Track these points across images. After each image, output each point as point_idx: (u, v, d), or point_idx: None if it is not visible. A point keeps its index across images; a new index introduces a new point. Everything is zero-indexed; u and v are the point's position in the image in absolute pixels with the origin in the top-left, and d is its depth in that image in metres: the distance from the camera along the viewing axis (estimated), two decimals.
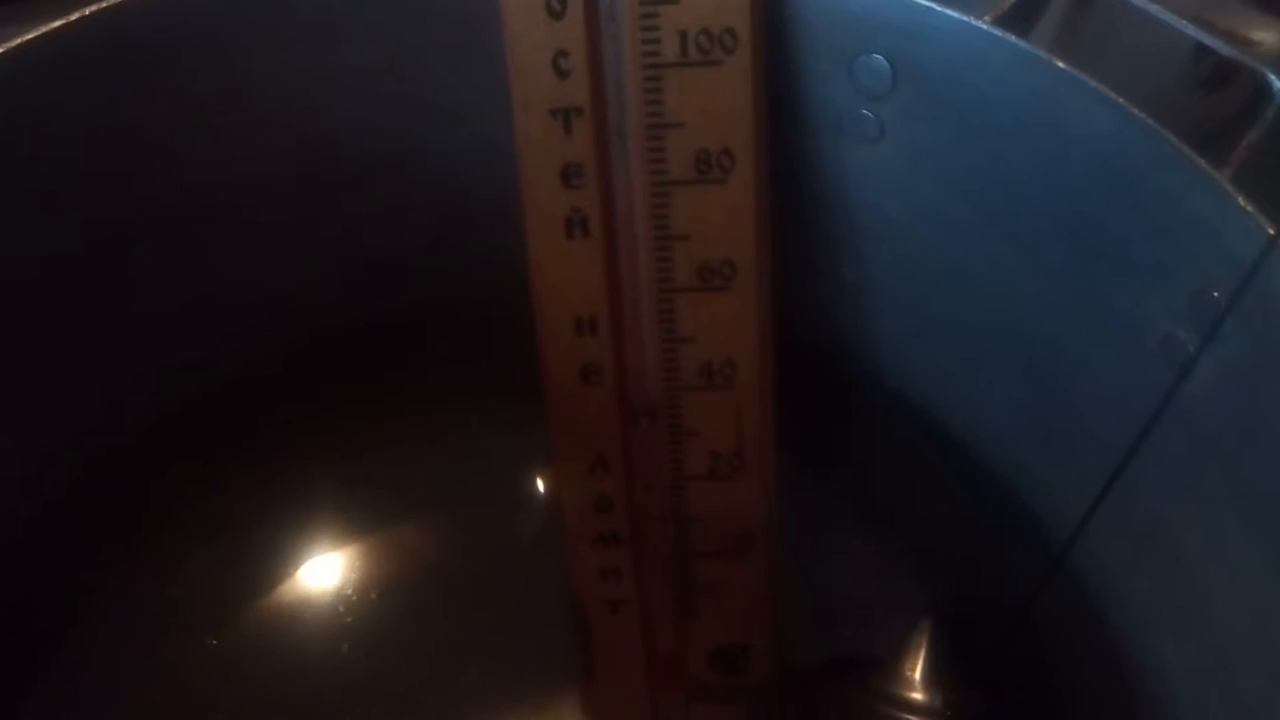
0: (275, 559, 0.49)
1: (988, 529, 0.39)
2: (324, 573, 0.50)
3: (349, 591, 0.49)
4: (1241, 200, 0.24)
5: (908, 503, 0.44)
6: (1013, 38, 0.29)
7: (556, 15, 0.33)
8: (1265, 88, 0.28)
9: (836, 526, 0.46)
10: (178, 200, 0.38)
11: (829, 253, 0.38)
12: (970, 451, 0.38)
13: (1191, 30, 0.32)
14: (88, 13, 0.32)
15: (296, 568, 0.49)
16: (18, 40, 0.32)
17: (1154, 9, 0.34)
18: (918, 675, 0.37)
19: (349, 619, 0.49)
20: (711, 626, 0.43)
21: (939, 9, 0.30)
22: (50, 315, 0.38)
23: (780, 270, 0.36)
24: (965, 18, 0.30)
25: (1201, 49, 0.31)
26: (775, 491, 0.40)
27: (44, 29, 0.32)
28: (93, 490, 0.42)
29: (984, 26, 0.30)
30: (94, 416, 0.41)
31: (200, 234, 0.39)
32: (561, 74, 0.33)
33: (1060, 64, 0.28)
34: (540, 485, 0.50)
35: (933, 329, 0.38)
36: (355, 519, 0.50)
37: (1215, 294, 0.26)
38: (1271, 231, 0.24)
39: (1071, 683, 0.38)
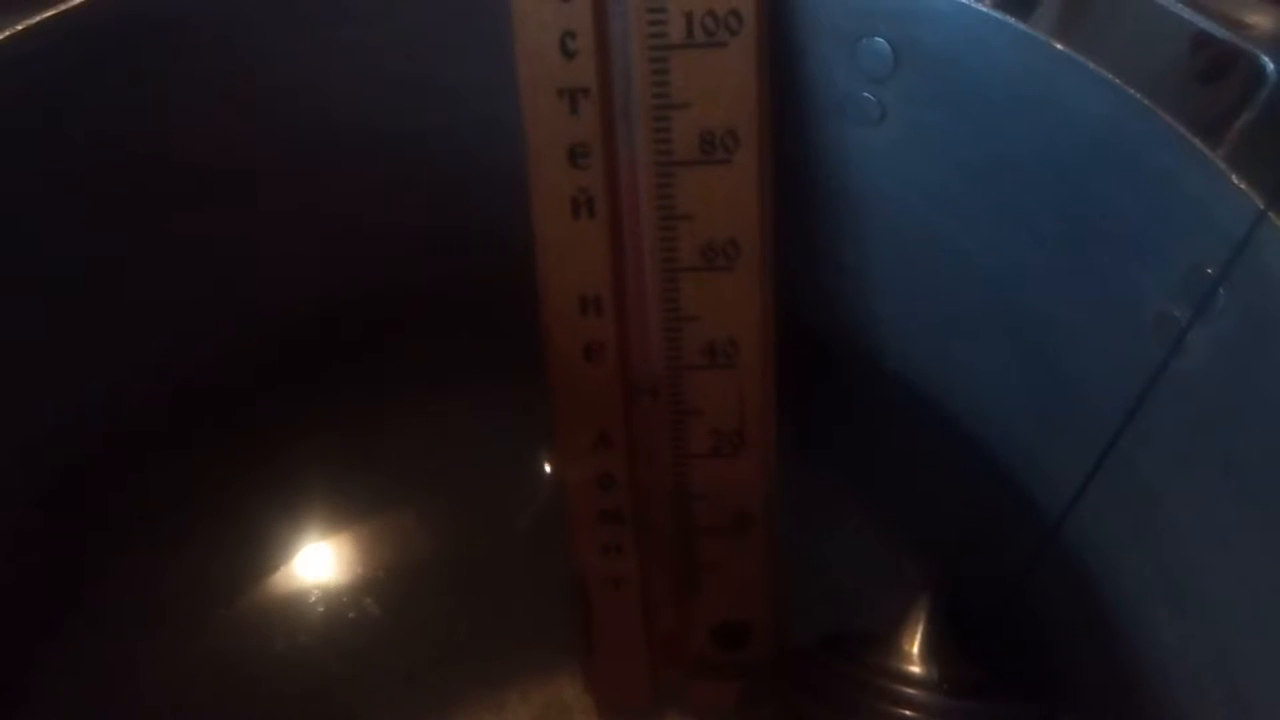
0: (275, 542, 0.50)
1: (985, 506, 0.40)
2: (323, 555, 0.50)
3: (349, 573, 0.50)
4: (1235, 178, 0.25)
5: (906, 481, 0.44)
6: (1012, 20, 0.29)
7: None
8: (1259, 70, 0.28)
9: (836, 506, 0.47)
10: (180, 177, 0.38)
11: (831, 236, 0.39)
12: (967, 430, 0.39)
13: (1188, 14, 0.33)
14: None
15: (296, 550, 0.50)
16: (21, 24, 0.32)
17: None
18: (914, 649, 0.37)
19: (348, 599, 0.49)
20: (712, 603, 0.43)
21: None
22: (45, 299, 0.38)
23: (783, 253, 0.37)
24: (966, 1, 0.30)
25: (1198, 32, 0.32)
26: (776, 470, 0.40)
27: (51, 10, 0.32)
28: (86, 479, 0.43)
29: (984, 9, 0.30)
30: (89, 403, 0.41)
31: (200, 212, 0.40)
32: (569, 55, 0.33)
33: (1058, 45, 0.28)
34: (541, 467, 0.50)
35: (931, 309, 0.38)
36: (355, 501, 0.51)
37: (1209, 271, 0.27)
38: (1263, 208, 0.25)
39: (1066, 656, 0.38)
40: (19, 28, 0.32)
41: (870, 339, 0.41)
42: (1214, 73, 0.29)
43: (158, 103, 0.36)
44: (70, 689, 0.44)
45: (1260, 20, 0.32)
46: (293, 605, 0.49)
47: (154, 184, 0.38)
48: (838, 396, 0.43)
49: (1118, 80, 0.27)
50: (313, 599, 0.49)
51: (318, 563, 0.50)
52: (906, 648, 0.38)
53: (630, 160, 0.35)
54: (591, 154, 0.34)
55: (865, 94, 0.34)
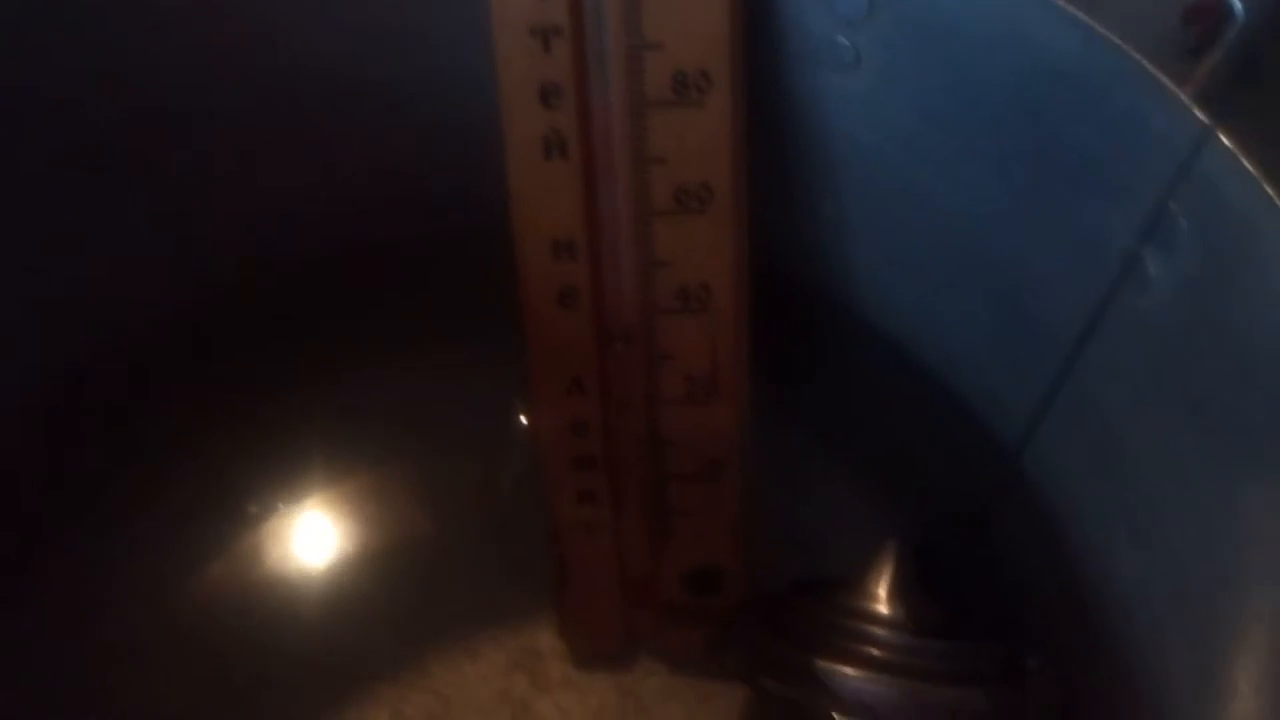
0: (253, 495, 0.50)
1: (956, 451, 0.40)
2: (301, 507, 0.50)
3: (326, 524, 0.50)
4: (1198, 113, 0.25)
5: (879, 429, 0.45)
6: None
7: None
8: (1227, 10, 0.29)
9: (809, 454, 0.47)
10: (149, 122, 0.38)
11: (807, 185, 0.39)
12: (940, 377, 0.39)
13: None
14: None
15: (273, 502, 0.50)
16: None
17: None
18: (882, 591, 0.38)
19: (326, 550, 0.50)
20: (685, 549, 0.43)
21: None
22: (34, 243, 0.38)
23: (759, 204, 0.37)
24: None
25: None
26: (749, 417, 0.40)
27: None
28: (65, 427, 0.43)
29: None
30: (65, 352, 0.42)
31: (170, 159, 0.39)
32: None
33: None
34: (518, 418, 0.50)
35: (906, 257, 0.38)
36: (333, 455, 0.51)
37: (1172, 207, 0.27)
38: (1229, 145, 0.25)
39: (1033, 597, 0.39)
40: None
41: (847, 289, 0.41)
42: (1185, 14, 0.29)
43: (124, 41, 0.36)
44: (35, 638, 0.45)
45: None
46: (271, 555, 0.49)
47: (122, 134, 0.38)
48: (813, 346, 0.44)
49: (1085, 18, 0.27)
50: (290, 549, 0.49)
51: (296, 514, 0.50)
52: (875, 590, 0.38)
53: (603, 101, 0.35)
54: (563, 94, 0.34)
55: (840, 38, 0.34)
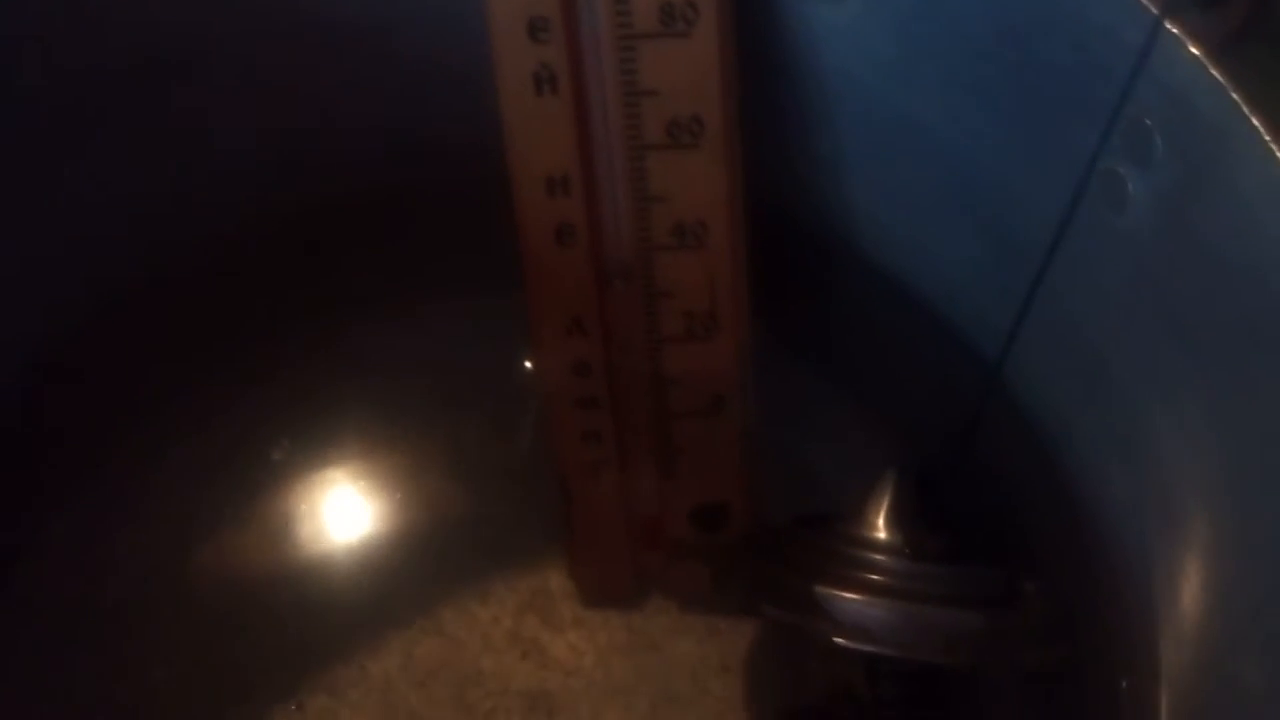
0: (262, 446, 0.50)
1: (948, 378, 0.40)
2: (305, 459, 0.50)
3: (334, 472, 0.50)
4: (1169, 25, 0.25)
5: (879, 364, 0.45)
6: None
7: None
8: None
9: (811, 391, 0.47)
10: (134, 62, 0.38)
11: (801, 120, 0.39)
12: (932, 306, 0.39)
13: None
14: None
15: (279, 454, 0.50)
16: None
17: None
18: (881, 519, 0.38)
19: (335, 498, 0.50)
20: (689, 486, 0.44)
21: None
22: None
23: (754, 140, 0.37)
24: None
25: None
26: (749, 352, 0.41)
27: None
28: (72, 377, 0.44)
29: None
30: (67, 302, 0.42)
31: (156, 105, 0.40)
32: None
33: None
34: (523, 365, 0.50)
35: (898, 189, 0.38)
36: (340, 403, 0.51)
37: (1147, 123, 0.27)
38: (1199, 54, 0.25)
39: (1029, 523, 0.39)
40: None
41: (842, 222, 0.41)
42: None
43: None
44: (47, 592, 0.46)
45: None
46: (275, 508, 0.50)
47: (110, 71, 0.38)
48: (810, 280, 0.44)
49: None
50: (296, 502, 0.50)
51: (301, 467, 0.50)
52: (873, 518, 0.38)
53: (592, 34, 0.35)
54: (551, 27, 0.34)
55: None
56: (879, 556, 0.37)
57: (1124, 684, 0.34)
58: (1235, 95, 0.24)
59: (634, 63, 0.35)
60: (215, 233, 0.44)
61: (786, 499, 0.45)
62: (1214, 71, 0.25)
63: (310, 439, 0.50)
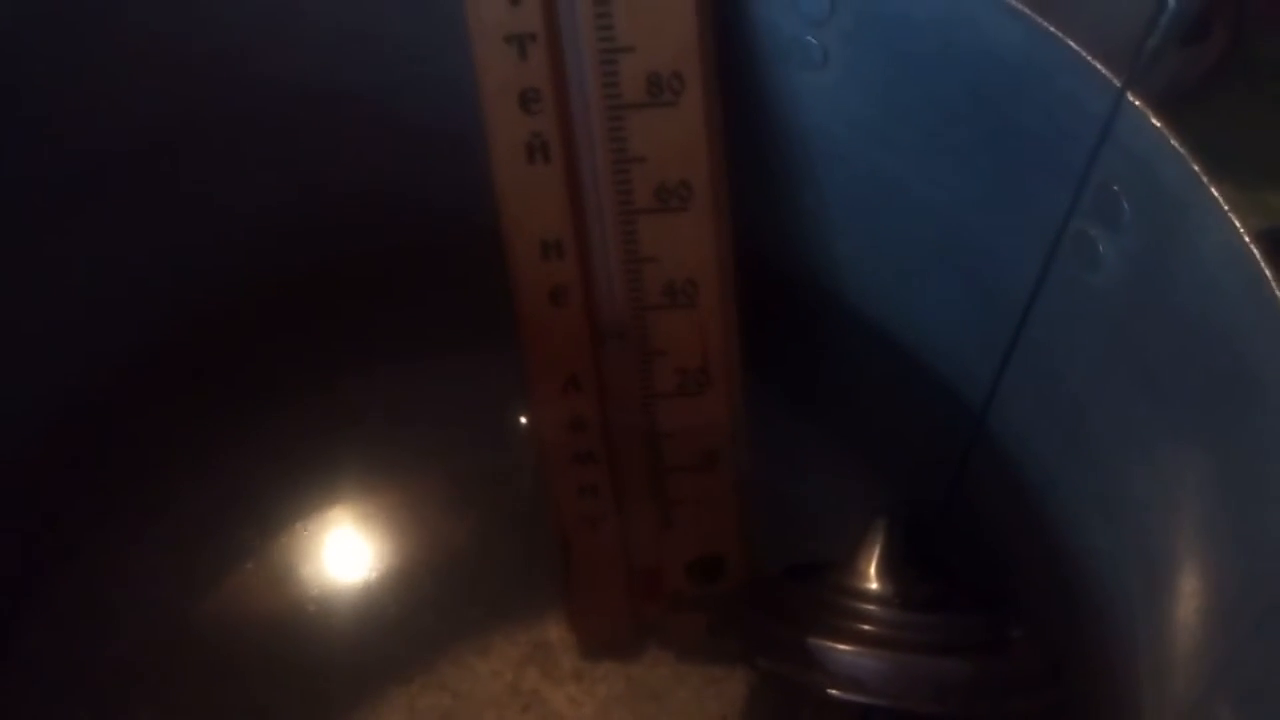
0: (266, 501, 0.51)
1: (934, 427, 0.41)
2: (308, 513, 0.51)
3: (337, 528, 0.51)
4: (1130, 97, 0.26)
5: (867, 413, 0.46)
6: None
7: None
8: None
9: (803, 441, 0.48)
10: (136, 142, 0.39)
11: (787, 178, 0.40)
12: (917, 356, 0.40)
13: None
14: None
15: (281, 509, 0.51)
16: None
17: None
18: (872, 569, 0.39)
19: (336, 553, 0.51)
20: (687, 538, 0.45)
21: None
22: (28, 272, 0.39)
23: (742, 198, 0.38)
24: None
25: None
26: (741, 406, 0.41)
27: None
28: (79, 437, 0.44)
29: None
30: (70, 366, 0.43)
31: (160, 178, 0.41)
32: (514, 1, 0.34)
33: None
34: (519, 420, 0.51)
35: (883, 244, 0.39)
36: (333, 462, 0.51)
37: (1115, 188, 0.28)
38: (1160, 126, 0.26)
39: (1016, 571, 0.40)
40: None
41: (830, 276, 0.42)
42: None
43: (108, 61, 0.37)
44: (51, 647, 0.46)
45: None
46: (280, 562, 0.50)
47: (111, 148, 0.39)
48: (799, 332, 0.45)
49: (1028, 10, 0.28)
50: (300, 555, 0.50)
51: (304, 521, 0.51)
52: (864, 567, 0.39)
53: (582, 104, 0.36)
54: (543, 99, 0.36)
55: (808, 38, 0.35)
56: (870, 606, 0.38)
57: None
58: (1195, 166, 0.25)
59: (623, 131, 0.36)
60: (217, 297, 0.45)
61: (782, 546, 0.45)
62: (1174, 143, 0.26)
63: (307, 496, 0.51)
